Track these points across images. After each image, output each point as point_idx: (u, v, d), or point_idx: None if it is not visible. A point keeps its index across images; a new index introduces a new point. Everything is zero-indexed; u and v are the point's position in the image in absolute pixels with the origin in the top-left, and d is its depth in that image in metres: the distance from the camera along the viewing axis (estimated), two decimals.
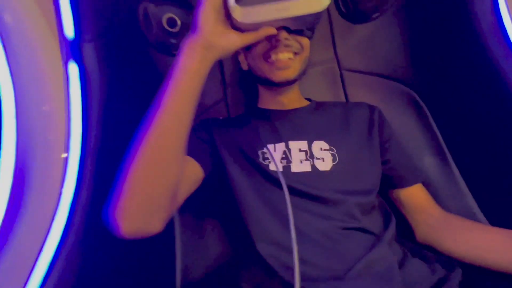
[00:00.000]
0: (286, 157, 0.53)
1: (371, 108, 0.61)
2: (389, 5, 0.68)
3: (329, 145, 0.54)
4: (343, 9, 0.73)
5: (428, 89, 0.67)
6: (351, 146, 0.55)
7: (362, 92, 0.75)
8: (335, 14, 0.74)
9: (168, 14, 0.67)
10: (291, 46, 0.54)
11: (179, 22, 0.68)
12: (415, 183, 0.57)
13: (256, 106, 0.67)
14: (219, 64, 0.76)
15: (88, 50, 0.49)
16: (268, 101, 0.63)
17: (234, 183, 0.52)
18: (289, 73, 0.55)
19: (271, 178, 0.50)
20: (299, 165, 0.52)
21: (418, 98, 0.68)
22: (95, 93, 0.52)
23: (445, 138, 0.64)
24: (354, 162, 0.53)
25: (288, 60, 0.54)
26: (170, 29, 0.67)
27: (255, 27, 0.46)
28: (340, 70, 0.77)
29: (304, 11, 0.42)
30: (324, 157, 0.53)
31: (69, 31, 0.47)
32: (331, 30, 0.76)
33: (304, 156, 0.53)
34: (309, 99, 0.67)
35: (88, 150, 0.47)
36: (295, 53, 0.55)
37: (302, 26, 0.55)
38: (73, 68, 0.48)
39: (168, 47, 0.68)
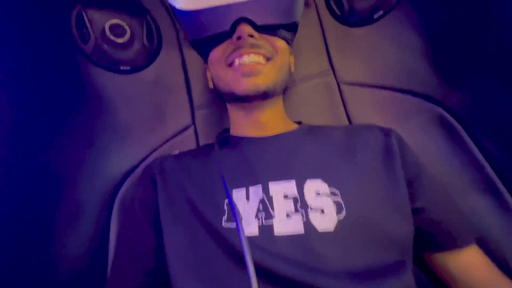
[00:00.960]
0: (265, 208, 0.34)
1: (385, 132, 0.43)
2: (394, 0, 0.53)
3: (330, 186, 0.35)
4: (336, 11, 0.59)
5: (461, 103, 0.49)
6: (362, 186, 0.36)
7: (368, 111, 0.58)
8: (327, 17, 0.60)
9: (113, 20, 0.52)
10: (259, 46, 0.39)
11: (128, 31, 0.53)
12: (468, 243, 0.37)
13: (225, 132, 0.50)
14: (186, 83, 0.61)
15: None
16: (241, 125, 0.46)
17: (173, 264, 0.34)
18: (259, 81, 0.39)
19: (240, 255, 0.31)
20: (285, 223, 0.33)
21: (448, 116, 0.50)
22: None
23: (495, 167, 0.45)
24: (370, 213, 0.33)
25: (255, 64, 0.39)
26: (116, 39, 0.52)
27: (205, 20, 0.34)
28: (338, 84, 0.61)
29: None
30: (323, 206, 0.34)
31: None
32: (323, 37, 0.61)
33: (293, 206, 0.34)
34: (299, 123, 0.50)
35: None
36: (267, 58, 0.40)
37: (273, 20, 0.40)
38: None
39: (112, 61, 0.52)
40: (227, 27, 0.39)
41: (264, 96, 0.40)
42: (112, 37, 0.52)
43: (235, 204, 0.34)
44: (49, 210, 0.44)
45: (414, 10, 0.53)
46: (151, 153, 0.56)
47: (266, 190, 0.35)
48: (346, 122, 0.60)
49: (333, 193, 0.35)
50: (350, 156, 0.39)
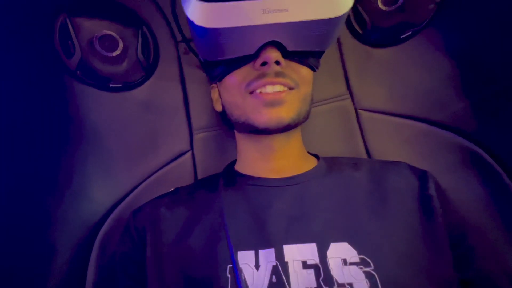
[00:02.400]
0: (279, 281, 0.27)
1: (420, 175, 0.36)
2: (425, 19, 0.47)
3: (360, 253, 0.28)
4: (357, 29, 0.52)
5: (500, 140, 0.43)
6: (399, 251, 0.29)
7: (389, 141, 0.52)
8: (346, 35, 0.54)
9: (105, 31, 0.45)
10: (284, 75, 0.33)
11: (120, 44, 0.46)
12: None
13: (232, 167, 0.43)
14: (185, 103, 0.54)
15: None
16: (251, 159, 0.39)
17: None
18: (282, 112, 0.33)
19: None
20: None
21: (484, 155, 0.43)
22: None
23: None
24: None
25: (279, 93, 0.33)
26: (106, 53, 0.46)
27: (227, 41, 0.30)
28: (355, 110, 0.54)
29: (311, 16, 0.27)
30: (353, 281, 0.27)
31: None
32: (341, 57, 0.54)
33: (314, 281, 0.27)
34: (314, 155, 0.44)
35: None
36: (290, 88, 0.34)
37: (304, 46, 0.33)
38: None
39: (100, 78, 0.45)
40: (252, 50, 0.32)
41: (286, 128, 0.34)
42: (101, 51, 0.45)
43: (241, 273, 0.27)
44: (20, 249, 0.37)
45: (444, 31, 0.47)
46: (140, 183, 0.49)
47: (280, 256, 0.28)
48: (363, 151, 0.53)
49: (363, 262, 0.28)
50: (380, 209, 0.32)
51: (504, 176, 0.41)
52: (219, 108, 0.43)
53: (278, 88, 0.33)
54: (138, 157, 0.49)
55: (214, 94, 0.44)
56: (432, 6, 0.46)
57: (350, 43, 0.53)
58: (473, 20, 0.45)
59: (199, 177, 0.52)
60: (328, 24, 0.29)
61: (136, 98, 0.49)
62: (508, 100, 0.42)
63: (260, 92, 0.33)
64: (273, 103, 0.33)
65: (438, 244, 0.30)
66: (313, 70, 0.38)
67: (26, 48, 0.41)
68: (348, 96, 0.54)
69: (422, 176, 0.36)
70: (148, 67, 0.50)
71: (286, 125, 0.34)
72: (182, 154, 0.53)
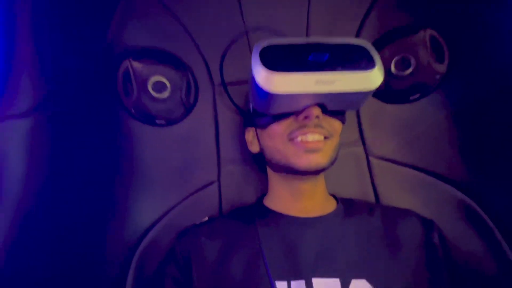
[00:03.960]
0: None
1: (426, 225, 0.42)
2: (433, 84, 0.54)
3: None
4: None
5: (497, 199, 0.48)
6: None
7: (397, 188, 0.57)
8: None
9: (157, 76, 0.53)
10: (322, 127, 0.41)
11: (169, 87, 0.54)
12: None
13: (261, 202, 0.49)
14: (216, 139, 0.61)
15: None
16: (282, 199, 0.46)
17: None
18: (320, 158, 0.40)
19: None
20: None
21: (481, 212, 0.49)
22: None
23: None
24: None
25: (317, 142, 0.40)
26: (156, 95, 0.53)
27: (283, 101, 0.37)
28: (367, 156, 0.61)
29: (351, 88, 0.35)
30: None
31: None
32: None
33: None
34: (333, 195, 0.50)
35: None
36: (325, 138, 0.42)
37: (342, 107, 0.41)
38: None
39: (149, 116, 0.53)
40: (300, 108, 0.40)
41: (320, 171, 0.42)
42: (153, 93, 0.53)
43: None
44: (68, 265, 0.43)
45: (451, 94, 0.54)
46: (172, 208, 0.55)
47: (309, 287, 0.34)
48: (372, 194, 0.59)
49: None
50: (393, 251, 0.38)
51: (496, 233, 0.46)
52: (255, 149, 0.49)
53: (317, 137, 0.40)
54: (172, 184, 0.56)
55: (249, 137, 0.51)
56: (438, 76, 0.53)
57: None
58: (474, 86, 0.52)
59: (223, 205, 0.58)
60: (363, 93, 0.37)
61: (175, 132, 0.57)
62: (506, 160, 0.48)
63: (301, 140, 0.40)
64: (313, 150, 0.40)
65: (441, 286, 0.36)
66: (343, 123, 0.45)
67: (92, 87, 0.49)
68: (361, 143, 0.61)
69: (428, 226, 0.42)
70: (188, 106, 0.58)
71: (322, 168, 0.41)
72: (209, 184, 0.59)
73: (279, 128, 0.42)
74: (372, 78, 0.35)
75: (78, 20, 0.46)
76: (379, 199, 0.58)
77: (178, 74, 0.55)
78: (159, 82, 0.53)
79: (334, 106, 0.40)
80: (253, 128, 0.48)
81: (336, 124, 0.43)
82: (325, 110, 0.40)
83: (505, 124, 0.48)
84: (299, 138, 0.40)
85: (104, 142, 0.50)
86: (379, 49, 0.55)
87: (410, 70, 0.55)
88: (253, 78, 0.36)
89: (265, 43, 0.36)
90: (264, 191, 0.55)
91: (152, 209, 0.53)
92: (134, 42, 0.53)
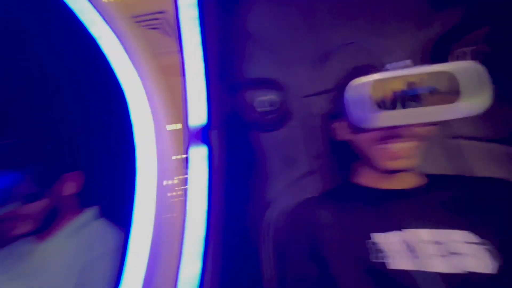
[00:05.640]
0: (411, 249, 0.41)
1: None
2: None
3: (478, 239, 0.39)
4: None
5: None
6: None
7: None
8: None
9: (267, 96, 0.73)
10: (416, 135, 0.47)
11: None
12: None
13: (349, 180, 0.58)
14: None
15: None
16: (370, 177, 0.54)
17: None
18: (409, 163, 0.47)
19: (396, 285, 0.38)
20: (436, 261, 0.39)
21: None
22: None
23: None
24: None
25: (409, 149, 0.47)
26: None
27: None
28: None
29: (456, 115, 0.35)
30: (475, 252, 0.38)
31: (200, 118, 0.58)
32: None
33: (438, 251, 0.40)
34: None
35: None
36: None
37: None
38: (197, 152, 0.56)
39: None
40: None
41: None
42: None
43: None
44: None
45: None
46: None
47: (407, 236, 0.44)
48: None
49: (482, 242, 0.40)
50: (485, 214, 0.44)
51: None
52: (340, 137, 0.56)
53: (410, 145, 0.47)
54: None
55: (337, 124, 0.57)
56: None
57: None
58: None
59: None
60: None
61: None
62: None
63: (393, 148, 0.47)
64: (403, 156, 0.47)
65: None
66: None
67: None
68: None
69: None
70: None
71: (410, 169, 0.49)
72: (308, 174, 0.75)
73: (372, 135, 0.50)
74: (478, 103, 0.36)
75: None
76: None
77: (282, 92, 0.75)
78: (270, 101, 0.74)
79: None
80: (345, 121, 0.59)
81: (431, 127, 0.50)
82: None
83: None
84: (390, 146, 0.48)
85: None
86: None
87: None
88: None
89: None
90: None
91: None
92: None
